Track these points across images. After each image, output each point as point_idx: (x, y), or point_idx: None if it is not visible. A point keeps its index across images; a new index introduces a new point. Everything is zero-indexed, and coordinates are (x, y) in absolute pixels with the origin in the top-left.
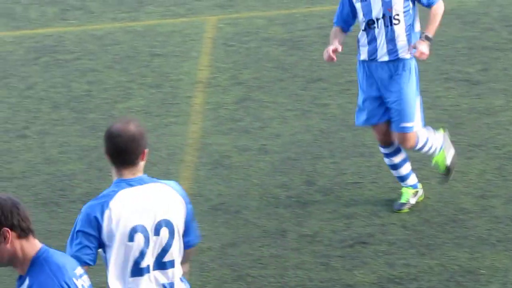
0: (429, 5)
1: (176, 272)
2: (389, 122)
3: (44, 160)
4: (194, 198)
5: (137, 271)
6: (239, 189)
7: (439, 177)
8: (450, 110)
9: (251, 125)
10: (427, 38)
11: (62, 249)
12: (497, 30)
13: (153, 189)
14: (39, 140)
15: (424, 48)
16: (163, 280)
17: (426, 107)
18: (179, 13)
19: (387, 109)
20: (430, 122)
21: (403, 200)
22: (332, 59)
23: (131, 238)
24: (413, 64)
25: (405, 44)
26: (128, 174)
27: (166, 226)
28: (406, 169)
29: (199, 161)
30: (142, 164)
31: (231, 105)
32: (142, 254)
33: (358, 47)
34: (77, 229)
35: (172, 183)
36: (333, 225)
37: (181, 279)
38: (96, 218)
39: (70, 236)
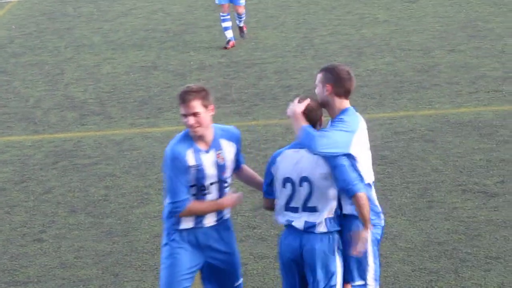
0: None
1: (318, 216)
2: None
3: (60, 265)
4: None
5: (290, 208)
6: None
7: None
8: (467, 221)
9: (268, 232)
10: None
11: None
12: None
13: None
14: (55, 244)
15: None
16: (309, 219)
17: (443, 218)
18: None
19: None
20: (447, 233)
21: None
22: None
23: (283, 185)
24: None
25: None
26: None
27: (307, 181)
28: None
29: None
30: None
31: (248, 212)
32: (291, 198)
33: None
34: None
35: None
36: None
37: (326, 221)
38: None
39: None
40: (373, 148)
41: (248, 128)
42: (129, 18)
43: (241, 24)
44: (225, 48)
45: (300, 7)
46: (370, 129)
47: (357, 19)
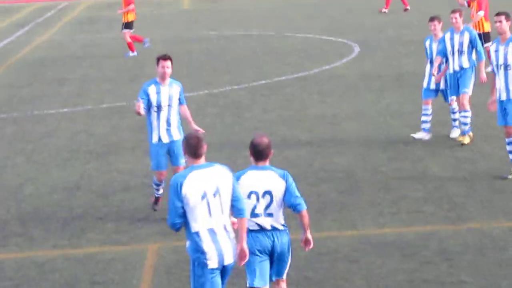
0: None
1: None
2: None
3: None
4: None
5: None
6: None
7: None
8: None
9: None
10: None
11: None
12: (436, 263)
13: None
14: None
15: None
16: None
17: None
18: (121, 241)
19: None
20: None
21: None
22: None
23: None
24: None
25: None
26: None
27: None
28: None
29: None
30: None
31: None
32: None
33: None
34: None
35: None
36: None
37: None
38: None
39: None
40: (297, 269)
41: (173, 248)
42: (53, 139)
43: (158, 194)
44: (155, 210)
45: (225, 128)
46: (293, 250)
47: (279, 141)
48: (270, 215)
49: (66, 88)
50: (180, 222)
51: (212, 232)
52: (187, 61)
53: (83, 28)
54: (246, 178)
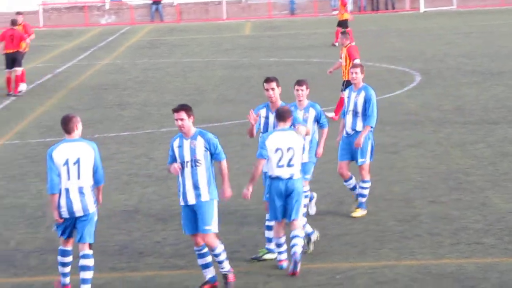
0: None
1: None
2: None
3: None
4: None
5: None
6: None
7: None
8: None
9: None
10: None
11: None
12: None
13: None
14: None
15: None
16: None
17: None
18: (179, 265)
19: None
20: None
21: None
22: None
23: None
24: None
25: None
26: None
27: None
28: None
29: None
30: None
31: None
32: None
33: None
34: None
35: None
36: None
37: None
38: None
39: None
40: None
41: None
42: (112, 163)
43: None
44: None
45: None
46: (352, 278)
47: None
48: (291, 165)
49: (127, 112)
50: (58, 182)
51: (67, 191)
52: (246, 87)
53: (144, 53)
54: (272, 138)
